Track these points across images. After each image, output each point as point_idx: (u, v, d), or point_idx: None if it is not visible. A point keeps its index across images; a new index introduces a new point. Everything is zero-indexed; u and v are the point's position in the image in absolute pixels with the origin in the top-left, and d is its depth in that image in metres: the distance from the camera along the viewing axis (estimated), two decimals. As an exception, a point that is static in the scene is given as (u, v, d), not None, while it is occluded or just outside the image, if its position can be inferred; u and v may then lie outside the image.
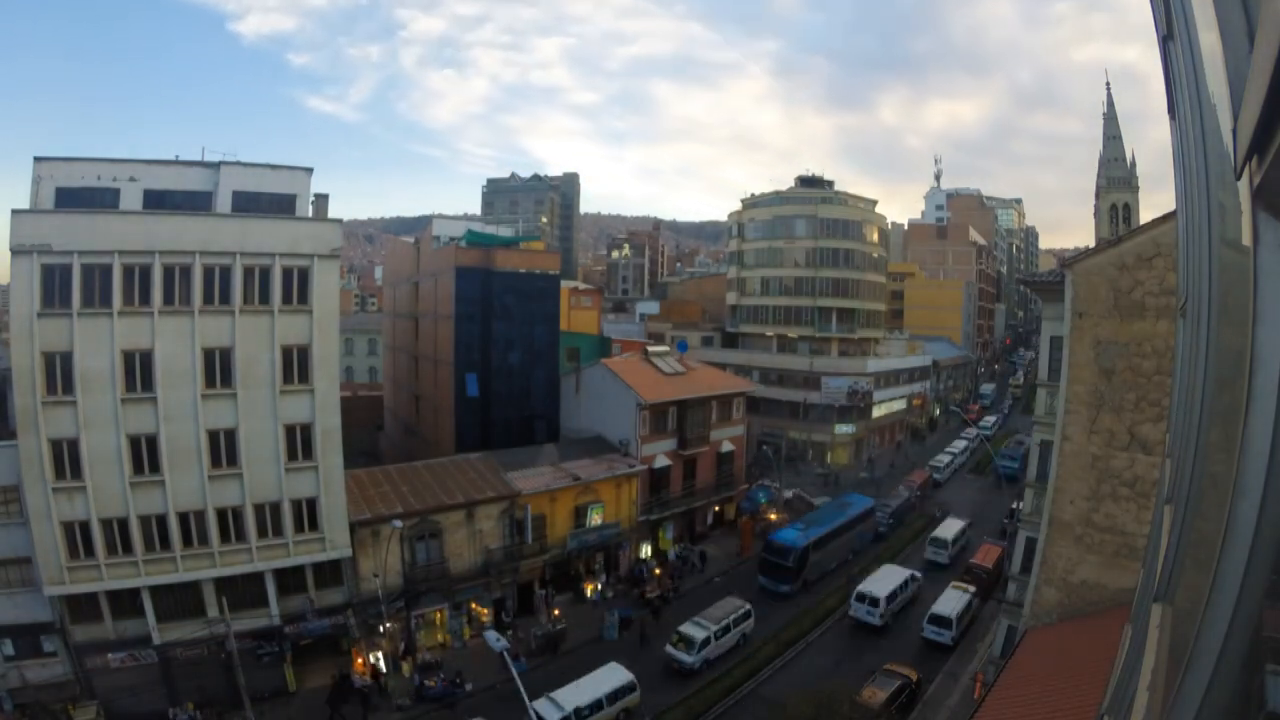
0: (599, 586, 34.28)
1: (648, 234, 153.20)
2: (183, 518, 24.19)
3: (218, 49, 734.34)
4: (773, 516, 42.50)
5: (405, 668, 27.50)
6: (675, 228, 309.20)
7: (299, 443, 25.78)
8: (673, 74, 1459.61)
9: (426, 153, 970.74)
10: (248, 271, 24.59)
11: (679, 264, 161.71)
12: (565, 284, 54.16)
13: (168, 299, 23.50)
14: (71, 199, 23.50)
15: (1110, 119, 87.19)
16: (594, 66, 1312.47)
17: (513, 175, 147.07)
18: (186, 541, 24.32)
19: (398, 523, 26.84)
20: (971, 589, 31.58)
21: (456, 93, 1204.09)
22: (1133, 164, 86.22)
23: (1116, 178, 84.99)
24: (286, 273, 25.20)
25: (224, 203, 25.55)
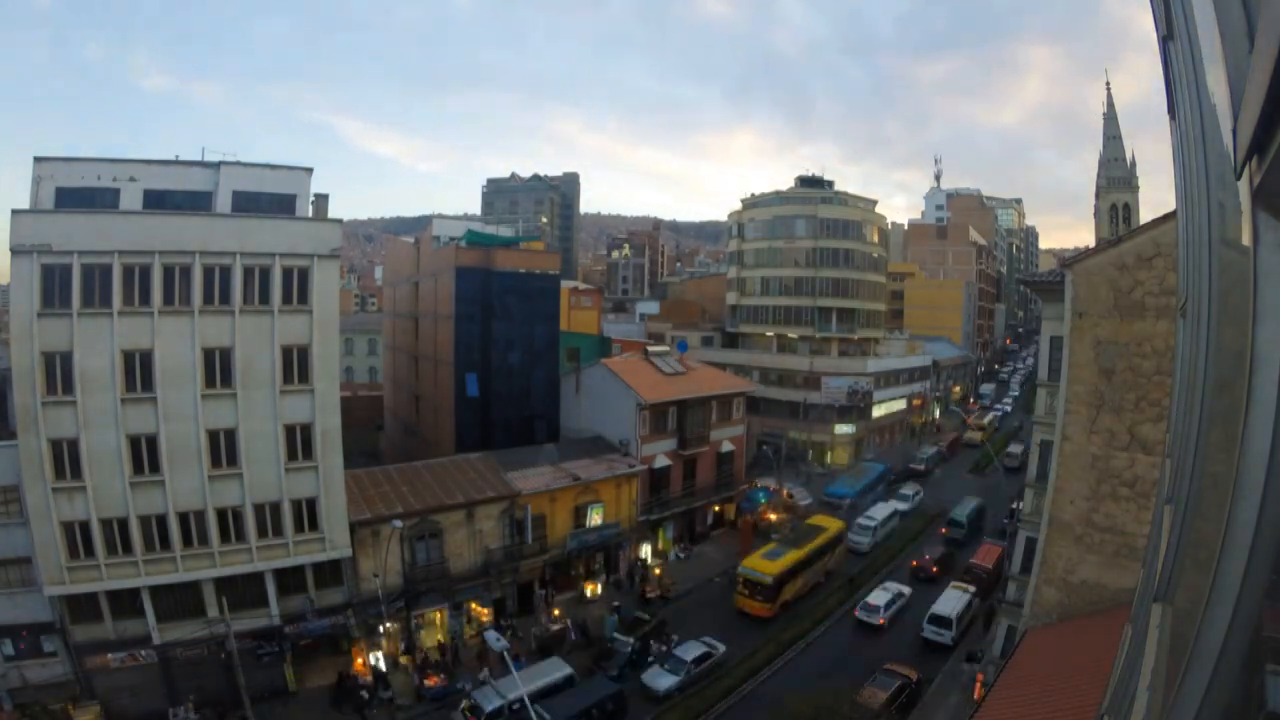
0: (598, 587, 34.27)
1: (648, 234, 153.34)
2: (183, 518, 24.18)
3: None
4: (772, 517, 42.51)
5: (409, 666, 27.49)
6: (675, 228, 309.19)
7: (299, 443, 25.77)
8: None
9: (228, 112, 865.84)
10: (248, 271, 24.58)
11: (679, 264, 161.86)
12: (565, 284, 54.20)
13: (168, 299, 23.49)
14: (71, 199, 23.47)
15: (1110, 119, 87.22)
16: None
17: (513, 175, 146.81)
18: (186, 541, 24.31)
19: (398, 523, 26.83)
20: (971, 589, 31.58)
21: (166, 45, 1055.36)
22: (1133, 164, 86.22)
23: (1116, 178, 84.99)
24: (286, 273, 25.19)
25: (224, 203, 25.52)
